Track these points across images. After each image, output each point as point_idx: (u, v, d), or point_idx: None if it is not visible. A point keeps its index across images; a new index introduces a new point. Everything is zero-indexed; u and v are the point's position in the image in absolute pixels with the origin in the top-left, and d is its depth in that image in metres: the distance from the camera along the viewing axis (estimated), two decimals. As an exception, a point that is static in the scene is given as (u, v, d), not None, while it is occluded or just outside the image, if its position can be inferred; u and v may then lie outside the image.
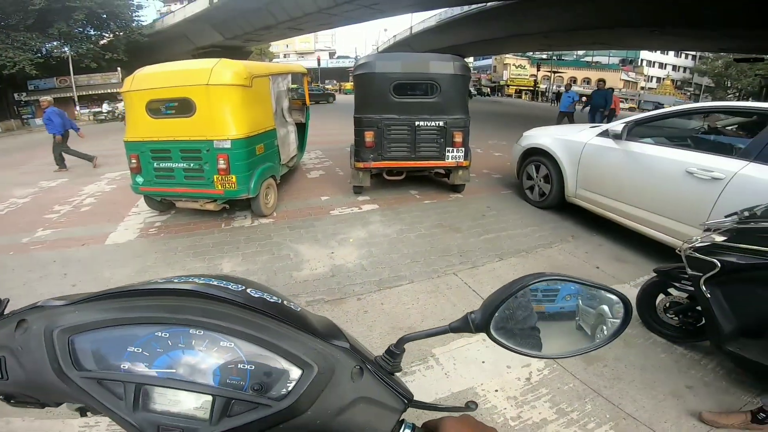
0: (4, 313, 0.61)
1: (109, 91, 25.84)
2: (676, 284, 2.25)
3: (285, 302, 0.61)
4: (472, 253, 3.71)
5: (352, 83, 5.14)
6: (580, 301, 0.61)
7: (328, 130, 11.34)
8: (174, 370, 0.51)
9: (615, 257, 3.65)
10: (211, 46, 26.56)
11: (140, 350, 0.52)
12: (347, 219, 4.61)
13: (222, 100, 4.03)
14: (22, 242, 4.20)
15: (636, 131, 3.64)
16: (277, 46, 52.54)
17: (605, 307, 0.60)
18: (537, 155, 4.78)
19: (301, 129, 6.28)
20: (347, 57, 54.27)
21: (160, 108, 4.22)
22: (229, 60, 4.31)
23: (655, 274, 2.43)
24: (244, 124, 4.15)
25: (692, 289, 2.05)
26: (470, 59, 44.39)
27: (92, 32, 25.46)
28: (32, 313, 0.57)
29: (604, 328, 0.60)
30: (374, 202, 5.16)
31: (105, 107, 23.51)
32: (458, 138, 4.81)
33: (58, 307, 0.57)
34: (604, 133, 3.88)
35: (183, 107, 4.11)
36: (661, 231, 3.29)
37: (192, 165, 4.18)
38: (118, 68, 25.73)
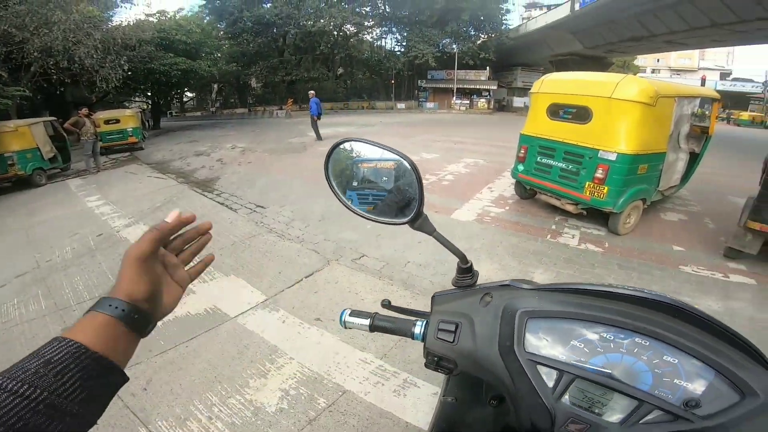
0: (476, 284, 0.69)
1: (477, 87, 30.74)
2: None
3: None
4: None
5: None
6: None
7: (707, 168, 9.05)
8: (609, 371, 0.53)
9: None
10: (569, 54, 26.19)
11: (582, 345, 0.55)
12: (701, 282, 3.62)
13: (621, 114, 4.13)
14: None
15: None
16: (644, 59, 45.42)
17: None
18: None
19: (693, 159, 5.45)
20: (750, 81, 40.11)
21: (558, 111, 4.77)
22: (635, 77, 4.38)
23: None
24: (636, 142, 4.15)
25: None
26: None
27: (472, 32, 30.29)
28: (499, 290, 0.63)
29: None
30: (751, 275, 3.77)
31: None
32: None
33: (522, 289, 0.62)
34: None
35: (580, 114, 4.50)
36: None
37: (570, 167, 4.60)
38: (487, 67, 29.89)
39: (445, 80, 31.51)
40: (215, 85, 36.66)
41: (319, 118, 12.05)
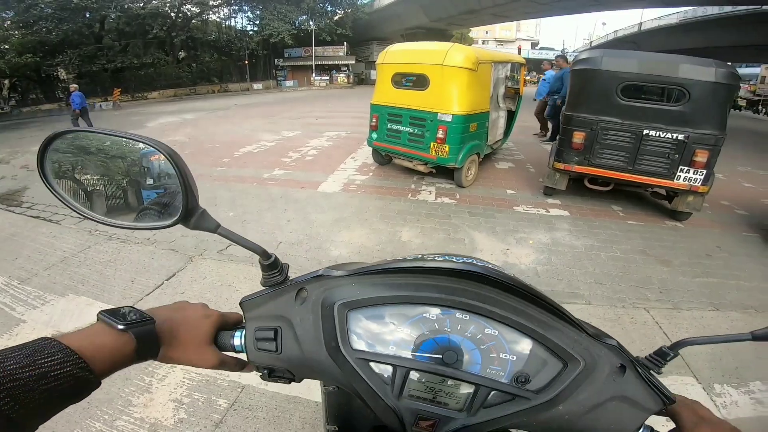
0: (287, 279, 0.59)
1: (336, 62, 30.78)
2: None
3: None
4: (677, 292, 3.03)
5: (570, 77, 4.66)
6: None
7: (522, 122, 10.79)
8: (440, 356, 0.49)
9: None
10: (417, 27, 28.41)
11: (409, 331, 0.50)
12: (531, 219, 4.33)
13: (451, 79, 4.59)
14: (263, 177, 5.48)
15: None
16: (476, 32, 52.13)
17: None
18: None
19: (511, 116, 6.48)
20: (551, 49, 49.81)
21: (401, 80, 5.09)
22: (461, 45, 4.91)
23: None
24: (465, 103, 4.66)
25: None
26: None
27: (329, 8, 30.17)
28: (311, 282, 0.55)
29: None
30: (565, 208, 4.68)
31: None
32: (701, 157, 3.85)
33: (337, 278, 0.55)
34: None
35: (419, 81, 4.88)
36: None
37: (416, 131, 4.96)
38: (345, 42, 30.14)
39: (303, 57, 30.73)
40: (6, 81, 28.72)
41: (81, 113, 10.98)
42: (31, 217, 4.99)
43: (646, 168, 4.11)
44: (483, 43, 55.31)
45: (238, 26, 32.15)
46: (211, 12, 30.52)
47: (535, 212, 4.52)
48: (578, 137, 4.27)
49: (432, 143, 4.81)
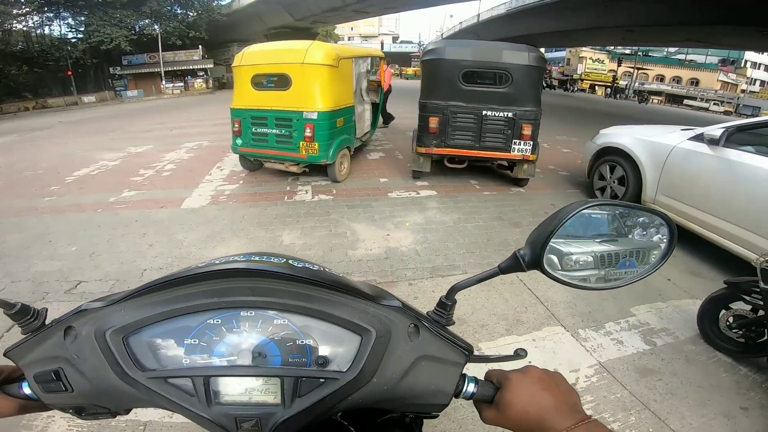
0: (46, 323, 0.55)
1: (191, 67, 27.95)
2: (746, 297, 2.15)
3: (327, 269, 0.59)
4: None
5: (420, 68, 5.14)
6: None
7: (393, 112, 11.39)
8: (235, 357, 0.49)
9: (689, 270, 3.33)
10: (281, 27, 27.62)
11: (197, 341, 0.49)
12: (404, 203, 4.63)
13: (313, 77, 4.58)
14: (109, 201, 4.67)
15: (736, 138, 3.25)
16: (342, 29, 53.53)
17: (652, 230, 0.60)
18: (613, 155, 4.43)
19: (375, 108, 6.72)
20: (410, 42, 53.90)
21: (262, 81, 4.86)
22: (320, 42, 4.91)
23: (725, 286, 2.30)
24: (330, 100, 4.68)
25: (762, 303, 2.02)
26: (541, 50, 42.04)
27: (179, 11, 27.37)
28: (77, 319, 0.53)
29: (653, 254, 0.60)
30: (432, 188, 5.12)
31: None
32: (527, 131, 4.60)
33: (102, 308, 0.53)
34: (698, 137, 3.51)
35: (281, 82, 4.72)
36: (746, 246, 2.96)
37: (283, 132, 4.81)
38: (200, 46, 27.62)
39: (149, 64, 26.94)
40: None
41: None
42: None
43: (490, 144, 4.74)
44: (349, 39, 56.78)
45: (55, 34, 26.69)
46: (15, 21, 24.75)
47: (407, 196, 4.84)
48: (433, 122, 4.71)
49: (301, 142, 4.74)
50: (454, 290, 0.57)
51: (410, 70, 39.20)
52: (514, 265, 0.54)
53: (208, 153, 7.06)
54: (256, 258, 0.57)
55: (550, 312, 2.69)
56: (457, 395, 0.53)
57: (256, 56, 4.92)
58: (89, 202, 4.62)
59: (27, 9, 23.97)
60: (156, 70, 26.40)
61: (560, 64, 48.39)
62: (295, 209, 4.38)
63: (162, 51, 25.90)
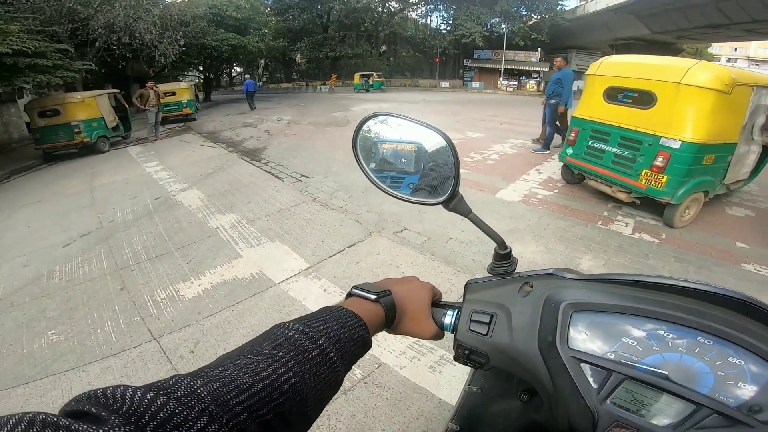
0: (515, 272, 0.62)
1: (527, 68, 29.22)
2: None
3: None
4: None
5: None
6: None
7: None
8: (665, 372, 0.48)
9: None
10: (632, 38, 24.29)
11: (635, 343, 0.49)
12: (763, 282, 3.30)
13: (690, 100, 3.86)
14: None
15: None
16: (719, 48, 41.45)
17: None
18: None
19: (766, 153, 5.00)
20: None
21: (617, 95, 4.50)
22: (709, 63, 4.06)
23: None
24: (704, 130, 3.85)
25: None
26: None
27: (524, 12, 28.57)
28: (540, 279, 0.57)
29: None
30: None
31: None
32: None
33: (567, 279, 0.56)
34: None
35: (642, 99, 4.22)
36: None
37: (626, 153, 4.36)
38: (539, 48, 28.22)
39: (492, 60, 30.22)
40: (262, 61, 37.45)
41: (251, 97, 16.16)
42: (265, 171, 6.45)
43: None
44: (728, 61, 43.87)
45: (433, 25, 33.88)
46: (410, 9, 32.99)
47: (778, 277, 3.43)
48: None
49: (645, 170, 4.10)
50: None
51: None
52: None
53: (528, 153, 7.30)
54: (726, 290, 0.53)
55: None
56: None
57: (616, 67, 4.53)
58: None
59: None
60: (497, 66, 29.16)
61: None
62: (607, 238, 3.94)
63: (505, 49, 28.15)
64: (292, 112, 14.67)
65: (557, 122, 6.88)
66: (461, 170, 0.63)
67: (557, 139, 7.02)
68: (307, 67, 36.57)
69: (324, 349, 0.41)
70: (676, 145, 3.88)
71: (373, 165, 0.72)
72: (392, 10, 32.57)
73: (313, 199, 5.01)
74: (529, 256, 3.52)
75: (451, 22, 30.69)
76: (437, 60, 31.56)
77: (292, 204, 4.89)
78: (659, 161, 3.98)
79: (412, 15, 34.56)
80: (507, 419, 0.69)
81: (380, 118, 0.70)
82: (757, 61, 45.38)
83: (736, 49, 46.17)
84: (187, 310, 2.95)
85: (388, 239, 3.88)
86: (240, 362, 0.36)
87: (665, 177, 3.96)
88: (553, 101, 6.78)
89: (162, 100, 10.83)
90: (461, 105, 16.56)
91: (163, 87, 12.99)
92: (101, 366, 2.46)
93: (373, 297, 0.56)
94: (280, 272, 3.35)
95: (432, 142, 0.67)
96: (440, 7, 31.94)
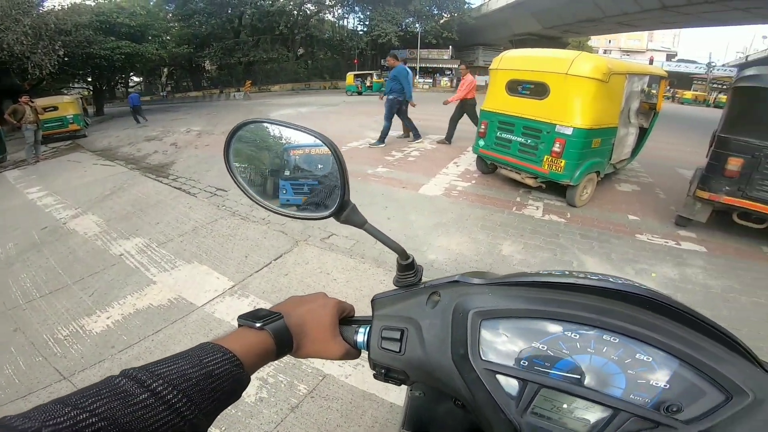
0: (420, 282, 0.59)
1: (440, 66, 30.81)
2: None
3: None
4: None
5: (729, 95, 3.97)
6: None
7: (656, 143, 9.56)
8: (577, 376, 0.47)
9: None
10: (527, 34, 26.96)
11: (545, 348, 0.48)
12: (655, 250, 3.81)
13: (576, 89, 4.23)
14: (367, 172, 5.70)
15: None
16: (597, 41, 47.72)
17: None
18: None
19: (643, 133, 5.77)
20: (693, 62, 42.87)
21: (517, 87, 4.82)
22: (590, 54, 4.51)
23: None
24: (590, 117, 4.27)
25: None
26: None
27: (435, 11, 30.23)
28: (447, 287, 0.55)
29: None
30: (701, 243, 4.01)
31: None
32: None
33: (473, 285, 0.54)
34: None
35: (538, 90, 4.56)
36: None
37: (529, 141, 4.68)
38: (450, 46, 29.99)
39: (408, 59, 31.25)
40: (165, 69, 34.53)
41: (134, 110, 14.84)
42: (174, 188, 5.90)
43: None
44: (604, 53, 50.24)
45: (350, 26, 34.20)
46: (326, 11, 32.89)
47: (661, 243, 3.96)
48: (734, 163, 3.62)
49: (546, 156, 4.48)
50: None
51: (689, 94, 31.00)
52: None
53: (447, 148, 7.64)
54: (644, 286, 0.52)
55: None
56: None
57: (515, 61, 4.87)
58: (352, 170, 5.76)
59: (335, 1, 31.28)
60: (413, 65, 30.22)
61: None
62: (522, 222, 4.25)
63: (420, 48, 29.40)
64: (202, 122, 13.68)
65: (408, 116, 7.60)
66: (349, 179, 0.58)
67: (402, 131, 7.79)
68: (219, 73, 34.59)
69: (159, 392, 0.36)
70: (569, 131, 4.28)
71: (287, 172, 0.65)
72: (308, 12, 32.12)
73: (231, 214, 4.68)
74: (455, 248, 3.64)
75: (367, 23, 31.21)
76: (356, 61, 31.83)
77: (208, 221, 4.52)
78: (557, 147, 4.36)
79: (329, 17, 34.49)
80: (454, 421, 0.68)
81: (250, 127, 0.63)
82: (628, 52, 52.52)
83: (610, 41, 52.96)
84: (97, 345, 2.59)
85: (316, 247, 3.76)
86: (41, 410, 0.32)
87: (563, 161, 4.35)
88: (391, 97, 7.14)
89: (41, 116, 9.45)
90: (381, 105, 16.68)
91: (42, 101, 11.30)
92: (9, 410, 2.03)
93: (258, 325, 0.51)
94: (202, 294, 3.07)
95: (289, 149, 0.62)
96: (356, 8, 32.27)
